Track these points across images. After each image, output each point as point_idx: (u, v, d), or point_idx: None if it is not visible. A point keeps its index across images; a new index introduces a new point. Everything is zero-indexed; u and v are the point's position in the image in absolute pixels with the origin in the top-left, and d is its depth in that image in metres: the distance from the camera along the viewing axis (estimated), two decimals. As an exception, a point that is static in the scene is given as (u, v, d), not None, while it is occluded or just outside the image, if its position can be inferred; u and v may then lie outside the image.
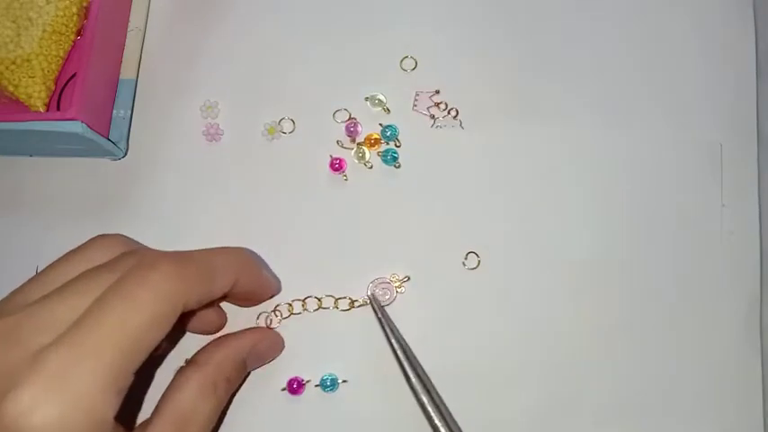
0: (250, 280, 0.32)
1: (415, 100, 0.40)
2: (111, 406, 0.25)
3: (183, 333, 0.36)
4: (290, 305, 0.38)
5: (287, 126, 0.41)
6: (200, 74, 0.42)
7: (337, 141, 0.40)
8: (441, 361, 0.36)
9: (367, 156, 0.40)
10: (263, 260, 0.38)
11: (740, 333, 0.36)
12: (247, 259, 0.33)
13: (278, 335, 0.37)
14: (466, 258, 0.38)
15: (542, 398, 0.36)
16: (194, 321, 0.35)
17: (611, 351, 0.36)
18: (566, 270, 0.37)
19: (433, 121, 0.40)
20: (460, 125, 0.40)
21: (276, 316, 0.37)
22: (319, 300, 0.38)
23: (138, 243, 0.33)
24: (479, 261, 0.38)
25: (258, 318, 0.38)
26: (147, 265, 0.27)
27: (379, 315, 0.36)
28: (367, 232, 0.39)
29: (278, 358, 0.37)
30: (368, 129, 0.40)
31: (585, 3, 0.41)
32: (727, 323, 0.36)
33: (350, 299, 0.38)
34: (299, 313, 0.38)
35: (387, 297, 0.37)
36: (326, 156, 0.40)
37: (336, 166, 0.39)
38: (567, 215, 0.38)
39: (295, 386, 0.36)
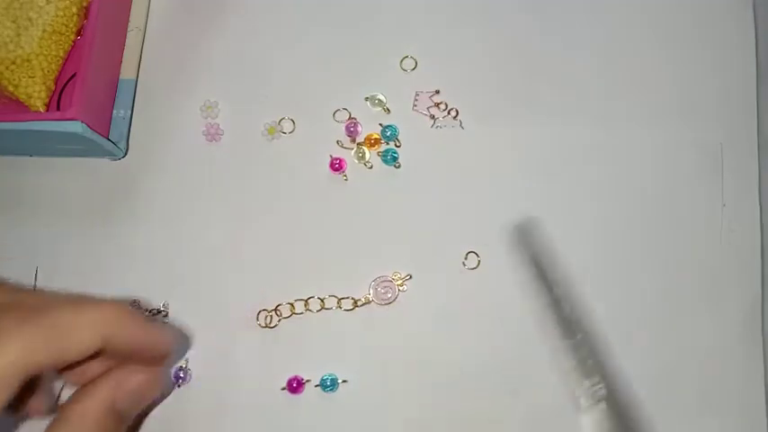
0: (127, 338, 0.28)
1: (415, 100, 0.40)
2: None
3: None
4: (292, 305, 0.38)
5: (287, 126, 0.41)
6: (200, 74, 0.42)
7: (337, 141, 0.40)
8: (441, 358, 0.36)
9: (367, 156, 0.40)
10: (148, 317, 0.36)
11: (741, 332, 0.36)
12: (120, 315, 0.28)
13: (150, 371, 0.31)
14: (466, 258, 0.38)
15: (543, 396, 0.36)
16: (74, 375, 0.31)
17: (611, 350, 0.36)
18: (566, 270, 0.37)
19: (433, 121, 0.40)
20: (460, 125, 0.40)
21: (277, 315, 0.37)
22: (322, 300, 0.38)
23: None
24: (479, 261, 0.38)
25: (258, 316, 0.38)
26: None
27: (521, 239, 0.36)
28: (367, 232, 0.39)
29: (278, 358, 0.37)
30: (368, 129, 0.40)
31: (586, 3, 0.41)
32: (728, 322, 0.36)
33: (353, 299, 0.37)
34: (301, 313, 0.38)
35: (389, 296, 0.37)
36: (326, 156, 0.40)
37: (336, 166, 0.39)
38: (567, 215, 0.38)
39: (295, 385, 0.36)
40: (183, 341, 0.37)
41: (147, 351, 0.30)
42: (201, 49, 0.42)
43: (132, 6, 0.43)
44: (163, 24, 0.43)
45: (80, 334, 0.26)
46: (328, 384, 0.36)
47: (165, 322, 0.37)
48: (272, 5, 0.43)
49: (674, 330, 0.36)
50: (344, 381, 0.37)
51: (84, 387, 0.29)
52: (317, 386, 0.37)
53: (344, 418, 0.36)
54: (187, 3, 0.43)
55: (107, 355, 0.29)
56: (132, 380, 0.30)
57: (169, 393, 0.37)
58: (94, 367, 0.30)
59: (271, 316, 0.38)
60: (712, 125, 0.39)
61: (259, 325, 0.38)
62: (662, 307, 0.37)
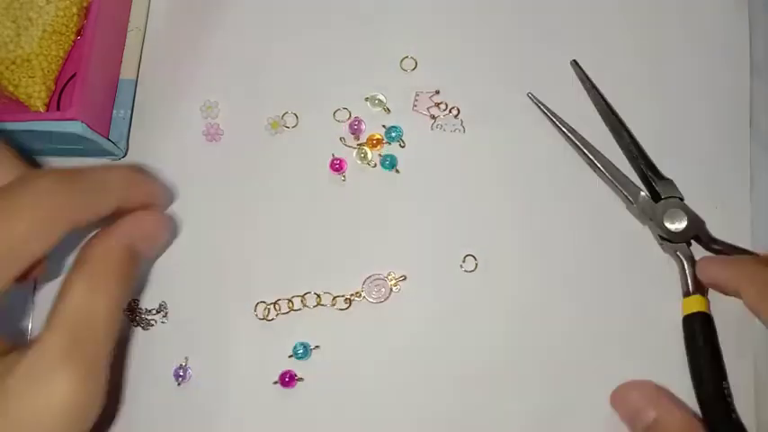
0: (141, 194, 0.33)
1: (415, 100, 0.40)
2: None
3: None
4: (290, 301, 0.38)
5: (287, 126, 0.41)
6: (200, 74, 0.42)
7: (340, 138, 0.40)
8: (433, 361, 0.37)
9: (369, 156, 0.40)
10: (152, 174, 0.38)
11: (732, 335, 0.36)
12: (137, 174, 0.33)
13: (161, 213, 0.34)
14: (464, 261, 0.38)
15: (538, 400, 0.36)
16: None
17: (608, 355, 0.36)
18: (565, 274, 0.37)
19: (433, 120, 0.40)
20: (461, 125, 0.40)
21: (276, 309, 0.38)
22: (318, 296, 0.38)
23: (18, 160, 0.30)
24: (477, 264, 0.38)
25: (256, 308, 0.38)
26: (30, 177, 0.27)
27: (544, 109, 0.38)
28: (366, 232, 0.39)
29: (274, 353, 0.37)
30: (369, 129, 0.40)
31: (585, 3, 0.41)
32: (719, 325, 0.36)
33: (345, 296, 0.38)
34: (299, 309, 0.38)
35: (381, 293, 0.37)
36: (327, 156, 0.40)
37: (337, 166, 0.39)
38: (567, 216, 0.38)
39: (287, 379, 0.37)
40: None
41: (153, 204, 0.34)
42: (201, 49, 0.42)
43: (132, 6, 0.43)
44: (163, 24, 0.43)
45: (110, 191, 0.30)
46: (300, 353, 0.37)
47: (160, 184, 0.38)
48: (271, 6, 0.43)
49: (666, 328, 0.36)
50: (317, 346, 0.37)
51: (103, 229, 0.31)
52: (290, 357, 0.37)
53: (338, 413, 0.36)
54: (187, 3, 0.43)
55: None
56: (148, 221, 0.32)
57: (173, 238, 0.38)
58: None
59: (269, 309, 0.38)
60: (705, 123, 0.39)
61: (256, 316, 0.38)
62: (655, 305, 0.37)
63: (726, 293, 0.35)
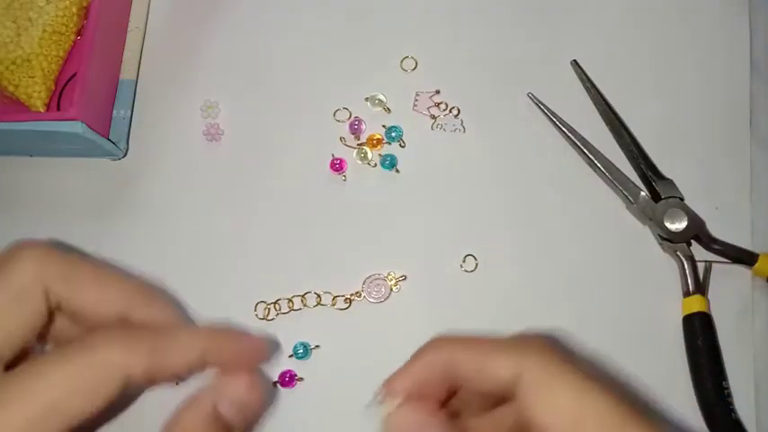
0: (226, 356, 0.28)
1: (416, 100, 0.40)
2: None
3: None
4: (291, 301, 0.38)
5: (287, 126, 0.41)
6: (200, 74, 0.42)
7: (340, 138, 0.40)
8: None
9: (369, 156, 0.40)
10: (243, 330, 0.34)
11: (732, 335, 0.36)
12: (216, 330, 0.28)
13: (250, 376, 0.28)
14: (464, 261, 0.38)
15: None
16: None
17: (608, 355, 0.36)
18: (565, 274, 0.37)
19: (433, 120, 0.40)
20: (461, 125, 0.40)
21: (276, 309, 0.38)
22: (318, 296, 0.38)
23: (66, 253, 0.28)
24: (477, 264, 0.38)
25: (256, 308, 0.38)
26: (95, 337, 0.24)
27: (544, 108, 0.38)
28: (366, 232, 0.39)
29: (274, 353, 0.37)
30: (369, 129, 0.40)
31: (585, 3, 0.41)
32: (719, 325, 0.36)
33: (345, 296, 0.38)
34: (299, 309, 0.38)
35: (381, 293, 0.37)
36: (327, 156, 0.40)
37: (337, 166, 0.39)
38: (567, 216, 0.38)
39: (287, 379, 0.37)
40: (273, 347, 0.37)
41: (243, 364, 0.29)
42: (201, 49, 0.42)
43: (132, 6, 0.43)
44: (163, 24, 0.43)
45: (182, 348, 0.26)
46: (301, 353, 0.37)
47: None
48: (272, 6, 0.43)
49: (664, 329, 0.36)
50: (317, 346, 0.37)
51: (186, 401, 0.27)
52: (290, 356, 0.37)
53: (338, 412, 0.36)
54: (187, 3, 0.43)
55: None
56: (232, 386, 0.28)
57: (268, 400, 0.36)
58: None
59: (269, 309, 0.38)
60: (704, 124, 0.39)
61: (257, 316, 0.38)
62: (654, 306, 0.37)
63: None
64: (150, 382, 0.25)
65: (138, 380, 0.24)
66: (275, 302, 0.38)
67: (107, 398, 0.23)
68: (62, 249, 0.27)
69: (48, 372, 0.23)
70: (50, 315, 0.26)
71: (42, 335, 0.27)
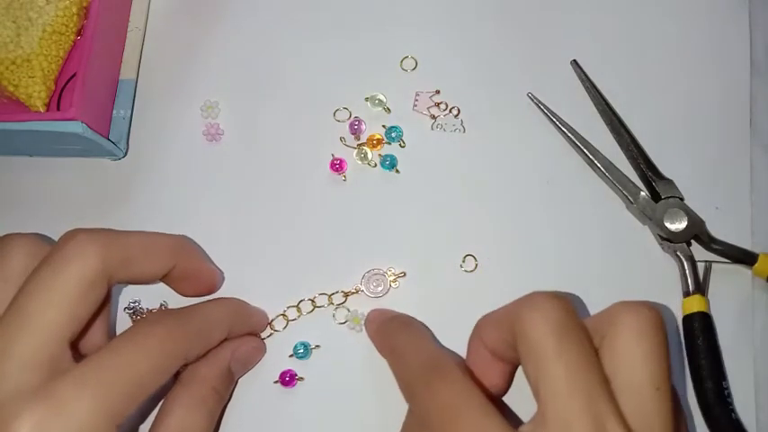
0: (244, 325, 0.36)
1: (416, 100, 0.40)
2: None
3: None
4: (298, 307, 0.38)
5: (287, 126, 0.41)
6: (200, 74, 0.42)
7: (340, 138, 0.40)
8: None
9: (369, 156, 0.40)
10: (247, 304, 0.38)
11: (732, 335, 0.36)
12: (240, 307, 0.36)
13: (257, 339, 0.37)
14: (464, 261, 0.38)
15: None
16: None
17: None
18: (564, 274, 0.37)
19: (433, 120, 0.40)
20: (461, 125, 0.40)
21: (285, 318, 0.38)
22: (330, 296, 0.38)
23: (116, 233, 0.31)
24: (477, 264, 0.38)
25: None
26: (153, 321, 0.29)
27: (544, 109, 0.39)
28: (366, 233, 0.39)
29: (274, 352, 0.37)
30: (369, 129, 0.40)
31: (585, 3, 0.41)
32: (719, 325, 0.36)
33: (342, 291, 0.38)
34: (311, 311, 0.38)
35: (380, 288, 0.37)
36: (327, 156, 0.40)
37: (337, 166, 0.39)
38: (567, 216, 0.38)
39: (287, 379, 0.36)
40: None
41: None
42: (202, 49, 0.42)
43: (132, 6, 0.43)
44: (163, 24, 0.43)
45: (219, 326, 0.33)
46: (301, 353, 0.37)
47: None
48: (271, 6, 0.43)
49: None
50: (317, 346, 0.37)
51: (207, 354, 0.33)
52: (290, 356, 0.37)
53: (337, 412, 0.36)
54: (187, 3, 0.43)
55: (171, 281, 0.34)
56: (244, 346, 0.35)
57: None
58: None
59: (279, 318, 0.38)
60: (704, 123, 0.39)
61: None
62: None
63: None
64: (196, 358, 0.32)
65: (190, 360, 0.31)
66: (284, 312, 0.38)
67: (170, 375, 0.29)
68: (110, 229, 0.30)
69: (132, 359, 0.28)
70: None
71: None
